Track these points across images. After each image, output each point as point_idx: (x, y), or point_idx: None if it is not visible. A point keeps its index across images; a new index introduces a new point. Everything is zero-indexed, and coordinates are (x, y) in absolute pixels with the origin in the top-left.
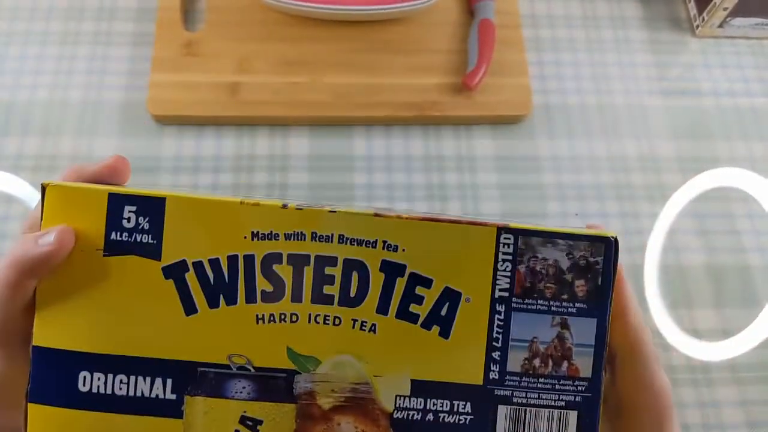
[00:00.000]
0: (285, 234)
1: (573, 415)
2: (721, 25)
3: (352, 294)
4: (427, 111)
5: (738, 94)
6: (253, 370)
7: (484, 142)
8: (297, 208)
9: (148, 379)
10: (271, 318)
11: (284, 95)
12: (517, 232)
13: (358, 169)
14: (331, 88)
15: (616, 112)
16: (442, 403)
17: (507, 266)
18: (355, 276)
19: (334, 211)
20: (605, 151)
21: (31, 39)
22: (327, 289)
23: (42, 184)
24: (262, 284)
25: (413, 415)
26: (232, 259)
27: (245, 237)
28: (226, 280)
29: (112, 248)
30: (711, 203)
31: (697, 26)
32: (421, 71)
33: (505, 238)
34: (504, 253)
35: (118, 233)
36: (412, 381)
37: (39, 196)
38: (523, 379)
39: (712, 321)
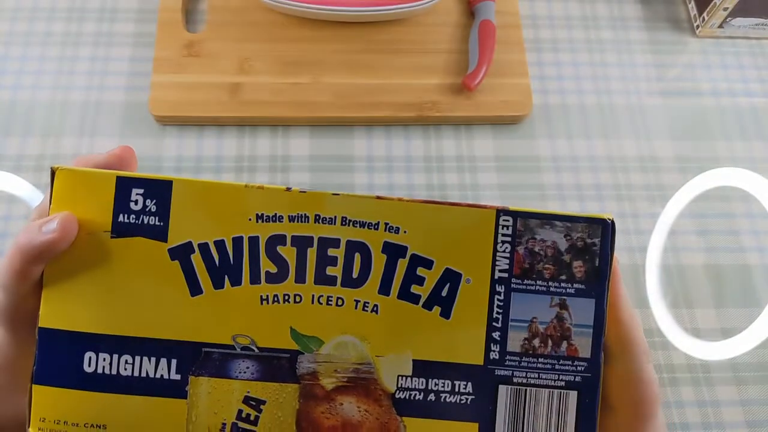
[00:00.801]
0: (289, 216)
1: (573, 395)
2: (721, 26)
3: (355, 275)
4: (427, 111)
5: (738, 94)
6: (256, 350)
7: (484, 142)
8: (301, 191)
9: (153, 359)
10: (275, 299)
11: (285, 96)
12: (515, 214)
13: (359, 169)
14: (332, 89)
15: (616, 112)
16: (444, 383)
17: (506, 247)
18: (357, 257)
19: (337, 194)
20: (605, 151)
21: (32, 40)
22: (330, 271)
23: (51, 168)
24: (266, 265)
25: (415, 395)
26: (237, 241)
27: (250, 219)
28: (231, 262)
29: (119, 230)
30: (711, 203)
31: (697, 26)
32: (421, 72)
33: (504, 220)
34: (503, 235)
35: (126, 215)
36: (414, 361)
37: (40, 196)
38: (523, 359)
39: (712, 320)
